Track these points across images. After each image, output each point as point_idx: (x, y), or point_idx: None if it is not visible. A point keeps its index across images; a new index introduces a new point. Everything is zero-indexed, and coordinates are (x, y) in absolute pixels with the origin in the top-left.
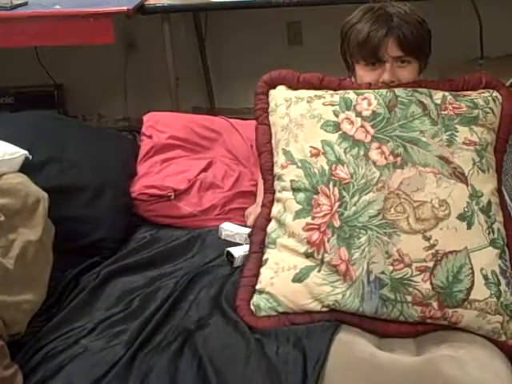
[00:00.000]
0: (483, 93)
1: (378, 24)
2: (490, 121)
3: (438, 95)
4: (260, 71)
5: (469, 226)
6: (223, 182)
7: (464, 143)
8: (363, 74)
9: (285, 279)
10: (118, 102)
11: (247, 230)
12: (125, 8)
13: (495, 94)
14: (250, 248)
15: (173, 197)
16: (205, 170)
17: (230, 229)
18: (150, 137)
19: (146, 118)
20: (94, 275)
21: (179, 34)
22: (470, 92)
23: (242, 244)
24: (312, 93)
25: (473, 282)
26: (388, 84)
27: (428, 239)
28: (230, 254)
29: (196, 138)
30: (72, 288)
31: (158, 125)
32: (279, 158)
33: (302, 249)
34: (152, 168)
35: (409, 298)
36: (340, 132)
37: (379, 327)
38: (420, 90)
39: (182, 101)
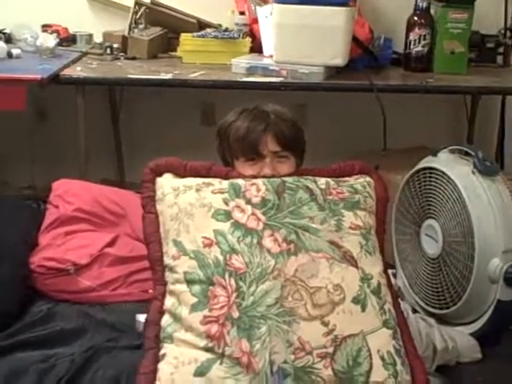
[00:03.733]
0: (358, 178)
1: (257, 120)
2: (370, 204)
3: (322, 181)
4: (172, 148)
5: (363, 309)
6: (127, 258)
7: (350, 227)
8: (243, 170)
9: (186, 374)
10: (24, 169)
11: None
12: (38, 76)
13: (368, 179)
14: (145, 344)
15: (72, 271)
16: (109, 245)
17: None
18: (56, 207)
19: (55, 185)
20: None
21: (93, 107)
22: (347, 178)
23: None
24: (200, 180)
25: (371, 365)
26: (270, 178)
27: (326, 325)
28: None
29: (103, 213)
30: None
31: (67, 195)
32: (169, 249)
33: (202, 343)
34: (54, 240)
35: None
36: (232, 221)
37: None
38: (304, 176)
39: (91, 172)
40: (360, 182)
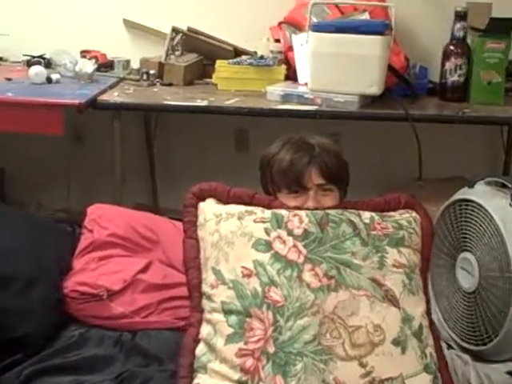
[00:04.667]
0: (404, 213)
1: (301, 152)
2: (415, 241)
3: (366, 215)
4: (206, 174)
5: (403, 352)
6: (160, 284)
7: (394, 265)
8: (286, 202)
9: None
10: (59, 192)
11: None
12: (76, 102)
13: (414, 214)
14: (178, 372)
15: (105, 296)
16: (142, 271)
17: None
18: (91, 231)
19: (90, 209)
20: (16, 374)
21: (129, 132)
22: (393, 213)
23: None
24: (243, 208)
25: None
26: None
27: (364, 366)
28: None
29: (137, 238)
30: None
31: (101, 219)
32: (208, 276)
33: (236, 376)
34: (88, 264)
35: None
36: (272, 252)
37: None
38: (348, 209)
39: (126, 196)
40: (406, 217)
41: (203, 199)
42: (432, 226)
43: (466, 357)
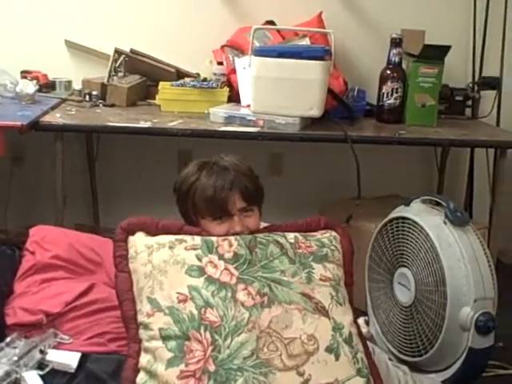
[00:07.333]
0: (324, 233)
1: (221, 179)
2: (337, 257)
3: (291, 236)
4: (148, 196)
5: (336, 358)
6: (103, 307)
7: (321, 279)
8: (211, 228)
9: None
10: None
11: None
12: (18, 123)
13: (334, 233)
14: None
15: (45, 321)
16: (85, 293)
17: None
18: (33, 253)
19: (32, 231)
20: None
21: (70, 152)
22: (314, 233)
23: None
24: (173, 237)
25: None
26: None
27: (302, 374)
28: None
29: (81, 260)
30: None
31: (44, 241)
32: (143, 306)
33: None
34: (29, 288)
35: None
36: (205, 276)
37: None
38: (274, 232)
39: (66, 218)
40: (326, 236)
41: (132, 233)
42: (351, 243)
43: (404, 367)
